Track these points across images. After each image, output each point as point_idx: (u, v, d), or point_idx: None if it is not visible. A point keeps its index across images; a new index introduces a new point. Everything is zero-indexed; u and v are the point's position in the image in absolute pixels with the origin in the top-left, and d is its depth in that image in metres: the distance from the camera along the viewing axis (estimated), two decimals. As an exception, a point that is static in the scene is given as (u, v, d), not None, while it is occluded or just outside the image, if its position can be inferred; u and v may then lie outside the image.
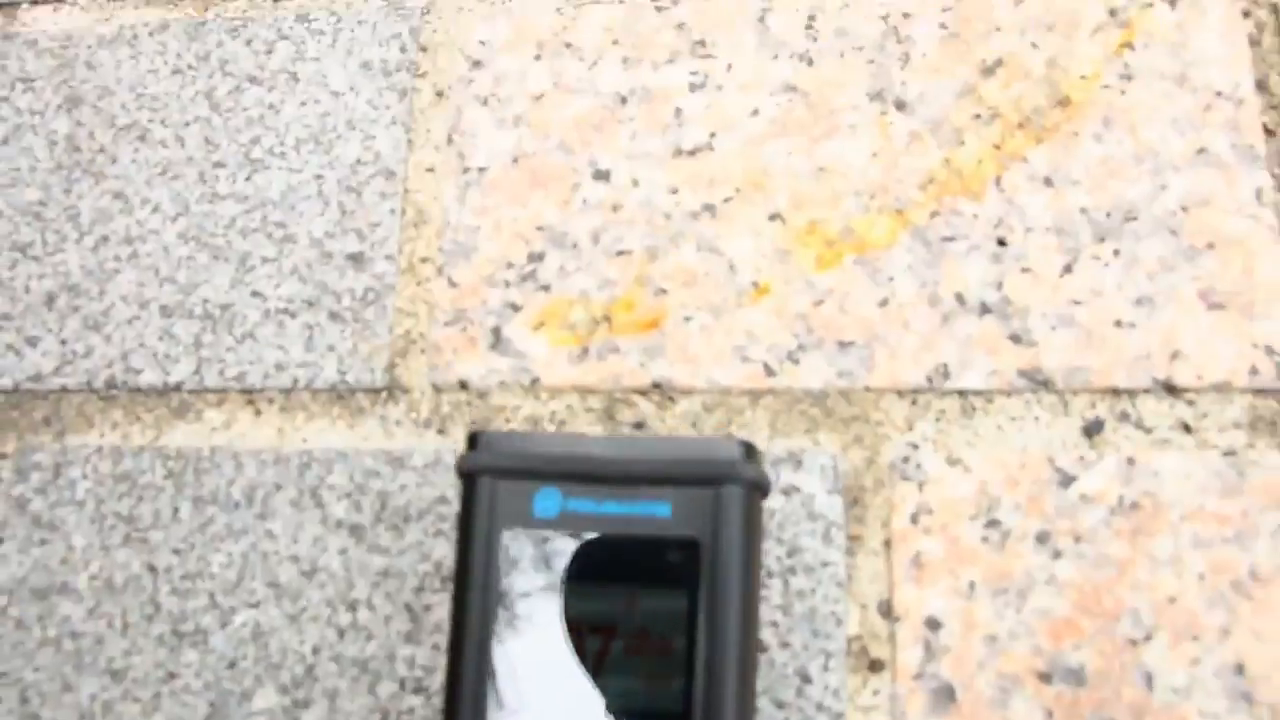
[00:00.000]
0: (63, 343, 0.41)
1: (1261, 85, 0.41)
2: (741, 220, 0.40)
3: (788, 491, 0.37)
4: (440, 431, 0.39)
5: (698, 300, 0.39)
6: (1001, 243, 0.39)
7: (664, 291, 0.39)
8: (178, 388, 0.40)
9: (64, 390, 0.41)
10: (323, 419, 0.39)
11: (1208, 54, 0.41)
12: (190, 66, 0.44)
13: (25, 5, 0.46)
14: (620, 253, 0.40)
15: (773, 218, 0.40)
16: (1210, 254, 0.39)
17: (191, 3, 0.45)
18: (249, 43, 0.44)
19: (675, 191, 0.40)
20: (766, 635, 0.36)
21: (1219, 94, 0.41)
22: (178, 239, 0.42)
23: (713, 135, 0.41)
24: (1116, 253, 0.39)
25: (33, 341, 0.41)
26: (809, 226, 0.40)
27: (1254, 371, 0.38)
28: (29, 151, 0.44)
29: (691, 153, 0.41)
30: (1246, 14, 0.42)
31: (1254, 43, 0.42)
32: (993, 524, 0.36)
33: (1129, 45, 0.42)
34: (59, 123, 0.44)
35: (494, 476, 0.31)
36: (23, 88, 0.45)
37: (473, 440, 0.32)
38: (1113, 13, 0.42)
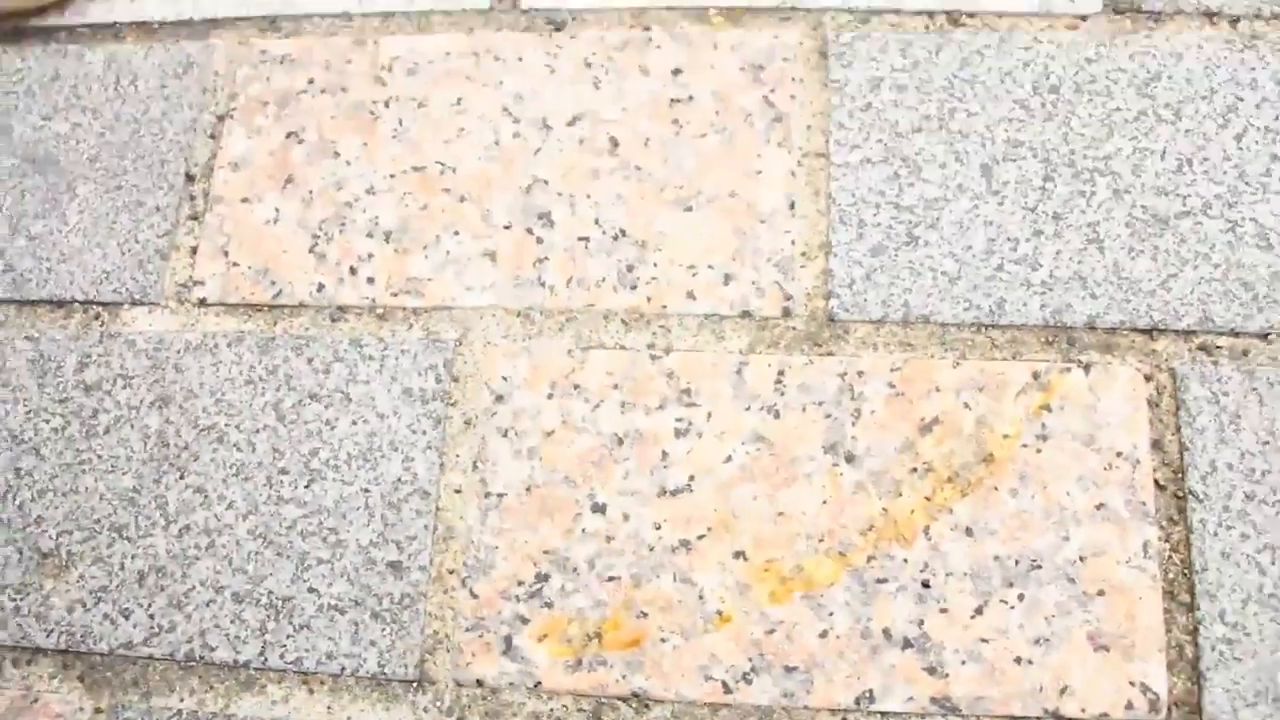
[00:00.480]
0: (151, 617, 0.50)
1: (1157, 444, 0.49)
2: (712, 556, 0.48)
3: (738, 792, 0.45)
4: (458, 720, 0.47)
5: (672, 624, 0.47)
6: (925, 585, 0.47)
7: (645, 615, 0.48)
8: (245, 665, 0.49)
9: (150, 658, 0.50)
10: (364, 701, 0.48)
11: (1113, 416, 0.49)
12: (261, 379, 0.52)
13: (126, 305, 0.55)
14: (611, 579, 0.48)
15: (737, 555, 0.48)
16: (1100, 600, 0.47)
17: (263, 316, 0.54)
18: (310, 361, 0.52)
19: (659, 527, 0.49)
20: None
21: (1119, 454, 0.48)
22: (248, 535, 0.50)
23: (691, 478, 0.49)
24: (1021, 597, 0.47)
25: (126, 614, 0.50)
26: (766, 565, 0.48)
27: (1129, 706, 0.46)
28: (126, 443, 0.52)
29: (674, 493, 0.49)
30: (1149, 378, 0.50)
31: (1153, 404, 0.49)
32: (905, 826, 0.45)
33: (1046, 407, 0.49)
34: (151, 418, 0.53)
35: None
36: (122, 384, 0.53)
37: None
38: (1036, 375, 0.50)
